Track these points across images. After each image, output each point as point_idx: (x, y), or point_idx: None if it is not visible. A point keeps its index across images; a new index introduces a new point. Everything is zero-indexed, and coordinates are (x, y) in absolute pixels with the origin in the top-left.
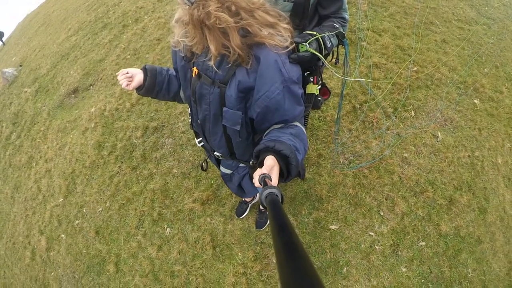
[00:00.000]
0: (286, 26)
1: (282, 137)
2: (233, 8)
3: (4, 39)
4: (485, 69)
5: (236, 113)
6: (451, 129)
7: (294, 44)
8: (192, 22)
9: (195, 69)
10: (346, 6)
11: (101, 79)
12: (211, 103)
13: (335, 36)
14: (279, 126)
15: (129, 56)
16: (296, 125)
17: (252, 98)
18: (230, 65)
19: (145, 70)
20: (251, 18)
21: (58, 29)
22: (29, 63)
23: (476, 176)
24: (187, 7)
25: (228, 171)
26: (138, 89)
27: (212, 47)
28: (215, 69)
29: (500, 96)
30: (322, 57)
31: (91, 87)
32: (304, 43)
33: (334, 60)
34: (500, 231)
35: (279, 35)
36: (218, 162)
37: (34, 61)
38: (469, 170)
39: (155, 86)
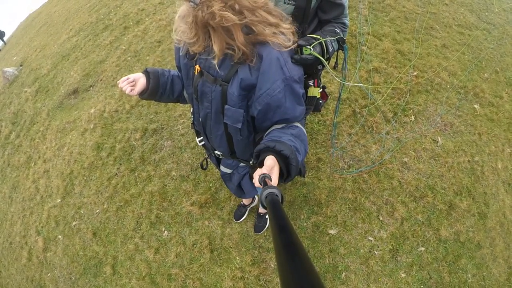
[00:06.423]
0: (288, 26)
1: (282, 137)
2: (237, 7)
3: (5, 38)
4: (485, 74)
5: (238, 111)
6: (451, 134)
7: (296, 44)
8: (196, 22)
9: (197, 66)
10: (347, 11)
11: (101, 80)
12: (213, 101)
13: (336, 41)
14: (280, 126)
15: (129, 58)
16: (297, 126)
17: (254, 96)
18: (233, 63)
19: (146, 73)
20: (253, 17)
21: (59, 30)
22: (30, 63)
23: (476, 181)
24: (192, 7)
25: (228, 171)
26: (141, 93)
27: (216, 48)
28: (217, 68)
29: (500, 101)
30: (325, 61)
31: (91, 88)
32: (308, 46)
33: (333, 64)
34: (500, 236)
35: (282, 35)
36: (218, 162)
37: (34, 61)
38: (469, 175)
39: (158, 88)
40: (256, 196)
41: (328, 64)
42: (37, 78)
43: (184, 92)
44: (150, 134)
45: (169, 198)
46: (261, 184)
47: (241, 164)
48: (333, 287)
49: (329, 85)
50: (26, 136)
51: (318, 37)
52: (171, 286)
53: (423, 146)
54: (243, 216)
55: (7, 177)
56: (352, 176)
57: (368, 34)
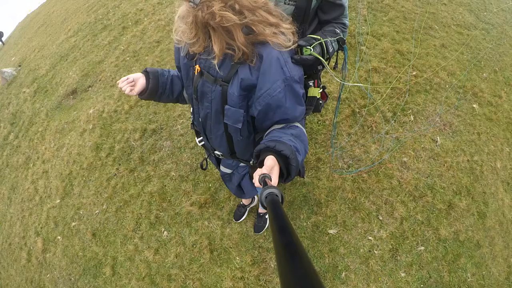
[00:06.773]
0: (288, 26)
1: (283, 137)
2: (237, 7)
3: (3, 39)
4: (484, 74)
5: (238, 111)
6: (450, 133)
7: (296, 44)
8: (196, 23)
9: (197, 66)
10: (347, 12)
11: (99, 80)
12: (213, 101)
13: (336, 41)
14: (280, 126)
15: (128, 58)
16: (297, 126)
17: (254, 96)
18: (233, 63)
19: (146, 73)
20: (254, 17)
21: (58, 30)
22: (28, 63)
23: (475, 180)
24: (191, 8)
25: (228, 171)
26: (141, 93)
27: (216, 48)
28: (217, 69)
29: (499, 101)
30: (325, 62)
31: (89, 88)
32: (308, 47)
33: (333, 65)
34: (499, 235)
35: (282, 35)
36: (218, 162)
37: (33, 62)
38: (468, 175)
39: (158, 88)
40: (255, 196)
41: (328, 64)
42: (35, 79)
43: (184, 92)
44: (149, 135)
45: (169, 198)
46: (261, 184)
47: (241, 164)
48: (333, 287)
49: (328, 85)
50: (25, 136)
51: (318, 37)
52: (171, 287)
53: (422, 146)
54: (242, 216)
55: (6, 178)
56: (352, 176)
57: (367, 34)
